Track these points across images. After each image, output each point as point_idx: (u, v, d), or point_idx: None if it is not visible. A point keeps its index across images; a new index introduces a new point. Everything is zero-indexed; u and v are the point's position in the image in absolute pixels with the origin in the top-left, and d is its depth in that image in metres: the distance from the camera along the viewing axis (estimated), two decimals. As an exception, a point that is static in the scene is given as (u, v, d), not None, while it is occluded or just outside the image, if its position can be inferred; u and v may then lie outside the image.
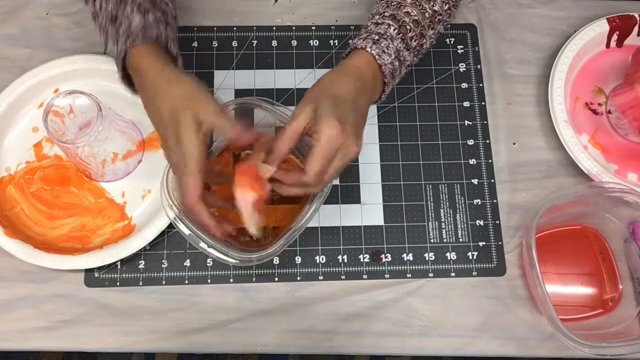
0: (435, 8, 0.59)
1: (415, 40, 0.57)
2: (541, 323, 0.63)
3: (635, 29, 0.72)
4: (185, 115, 0.49)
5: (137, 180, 0.65)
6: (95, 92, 0.63)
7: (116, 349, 0.61)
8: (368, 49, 0.55)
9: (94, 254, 0.61)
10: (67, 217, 0.64)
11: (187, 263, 0.64)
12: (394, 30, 0.56)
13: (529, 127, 0.71)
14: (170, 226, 0.61)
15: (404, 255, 0.65)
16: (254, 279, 0.63)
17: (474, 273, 0.65)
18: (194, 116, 0.49)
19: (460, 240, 0.66)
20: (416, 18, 0.57)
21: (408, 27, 0.57)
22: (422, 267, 0.65)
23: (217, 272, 0.64)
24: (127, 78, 0.57)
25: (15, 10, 0.73)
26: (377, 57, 0.54)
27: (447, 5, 0.60)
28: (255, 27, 0.73)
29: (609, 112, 0.71)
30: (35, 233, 0.63)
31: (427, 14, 0.58)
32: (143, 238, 0.61)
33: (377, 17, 0.58)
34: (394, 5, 0.58)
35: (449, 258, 0.65)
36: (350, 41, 0.58)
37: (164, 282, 0.63)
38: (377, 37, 0.55)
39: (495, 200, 0.67)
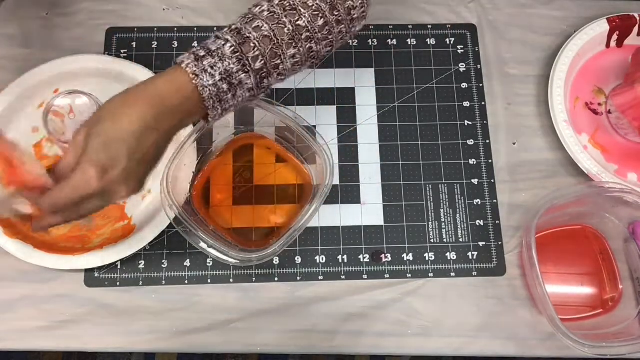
0: (300, 23, 0.49)
1: (261, 61, 0.48)
2: (541, 323, 0.63)
3: (635, 29, 0.72)
4: None
5: None
6: (95, 92, 0.64)
7: (116, 349, 0.61)
8: (184, 66, 0.46)
9: (94, 254, 0.61)
10: None
11: (187, 263, 0.64)
12: (230, 47, 0.47)
13: (529, 127, 0.71)
14: (170, 226, 0.61)
15: (404, 255, 0.65)
16: (254, 279, 0.64)
17: (474, 273, 0.65)
18: None
19: (460, 240, 0.66)
20: (267, 34, 0.48)
21: (253, 44, 0.47)
22: (422, 267, 0.65)
23: (217, 272, 0.64)
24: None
25: (15, 10, 0.73)
26: (192, 76, 0.45)
27: (322, 19, 0.50)
28: (255, 27, 0.73)
29: (609, 112, 0.71)
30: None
31: (286, 30, 0.48)
32: (143, 238, 0.61)
33: (224, 29, 0.49)
34: (248, 17, 0.49)
35: (449, 258, 0.65)
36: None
37: (164, 282, 0.63)
38: (203, 54, 0.46)
39: (495, 200, 0.68)
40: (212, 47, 0.47)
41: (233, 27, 0.49)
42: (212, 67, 0.46)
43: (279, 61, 0.49)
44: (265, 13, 0.49)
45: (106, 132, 0.44)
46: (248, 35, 0.47)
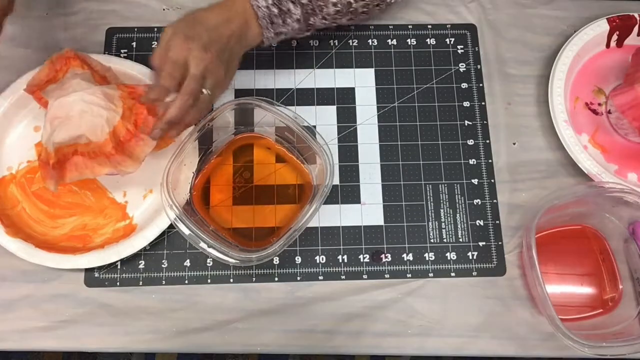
0: None
1: None
2: (541, 323, 0.63)
3: (635, 29, 0.72)
4: None
5: (139, 180, 0.65)
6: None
7: (116, 349, 0.61)
8: None
9: (94, 253, 0.61)
10: (68, 216, 0.64)
11: (187, 263, 0.64)
12: None
13: (529, 127, 0.71)
14: (171, 226, 0.61)
15: (404, 255, 0.65)
16: (254, 279, 0.64)
17: (474, 273, 0.65)
18: None
19: (460, 240, 0.66)
20: None
21: None
22: (422, 267, 0.65)
23: (217, 272, 0.64)
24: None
25: (15, 10, 0.72)
26: None
27: None
28: (255, 27, 0.73)
29: (609, 112, 0.71)
30: (37, 232, 0.63)
31: None
32: (144, 238, 0.61)
33: None
34: None
35: (449, 258, 0.65)
36: None
37: (164, 282, 0.63)
38: None
39: (495, 200, 0.68)
40: None
41: None
42: None
43: (322, 3, 0.59)
44: None
45: (189, 19, 0.55)
46: None
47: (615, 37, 0.73)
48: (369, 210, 0.67)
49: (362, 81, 0.72)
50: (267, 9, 0.57)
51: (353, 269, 0.64)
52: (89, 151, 0.57)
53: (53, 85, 0.60)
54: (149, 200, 0.65)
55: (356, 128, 0.70)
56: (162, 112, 0.55)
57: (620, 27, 0.72)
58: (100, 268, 0.63)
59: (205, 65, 0.54)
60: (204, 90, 0.55)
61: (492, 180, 0.68)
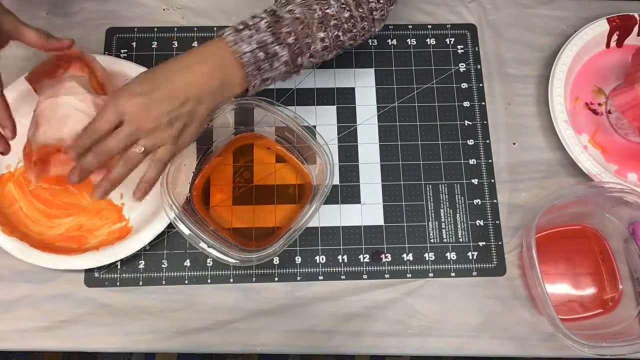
0: (329, 11, 0.55)
1: (293, 36, 0.53)
2: (541, 323, 0.63)
3: (635, 29, 0.72)
4: None
5: (136, 183, 0.65)
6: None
7: (116, 349, 0.61)
8: (224, 36, 0.52)
9: (90, 254, 0.61)
10: (64, 216, 0.64)
11: (187, 263, 0.64)
12: (265, 24, 0.52)
13: (529, 127, 0.71)
14: (170, 226, 0.61)
15: (404, 255, 0.65)
16: (254, 279, 0.64)
17: (474, 273, 0.65)
18: None
19: (460, 240, 0.66)
20: (299, 16, 0.53)
21: (285, 22, 0.53)
22: (422, 267, 0.65)
23: (217, 272, 0.64)
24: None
25: (15, 10, 0.72)
26: (231, 44, 0.51)
27: (348, 12, 0.56)
28: (255, 27, 0.73)
29: (609, 112, 0.71)
30: (33, 231, 0.63)
31: (316, 15, 0.54)
32: (140, 240, 0.61)
33: (260, 11, 0.55)
34: (283, 2, 0.55)
35: (449, 258, 0.65)
36: None
37: (164, 282, 0.63)
38: (241, 27, 0.52)
39: (495, 200, 0.68)
40: (249, 22, 0.53)
41: (269, 9, 0.54)
42: (249, 37, 0.52)
43: (309, 40, 0.55)
44: (298, 0, 0.55)
45: (147, 73, 0.51)
46: (282, 15, 0.53)
47: (615, 37, 0.73)
48: (369, 210, 0.67)
49: (362, 81, 0.72)
50: (252, 54, 0.52)
51: (353, 269, 0.64)
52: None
53: (48, 81, 0.60)
54: (146, 202, 0.65)
55: (356, 128, 0.70)
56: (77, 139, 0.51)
57: (620, 27, 0.72)
58: (100, 268, 0.63)
59: (139, 126, 0.49)
60: (135, 147, 0.51)
61: (492, 180, 0.68)
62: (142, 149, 0.51)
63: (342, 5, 0.56)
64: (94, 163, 0.50)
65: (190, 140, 0.54)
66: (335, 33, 0.56)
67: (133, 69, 0.67)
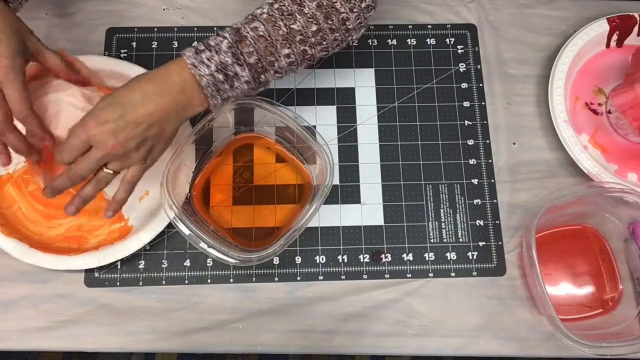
0: (294, 27, 0.54)
1: (254, 56, 0.53)
2: (541, 323, 0.63)
3: (635, 29, 0.72)
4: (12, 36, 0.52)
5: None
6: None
7: (116, 349, 0.61)
8: (185, 57, 0.52)
9: (90, 254, 0.61)
10: (64, 217, 0.64)
11: (187, 263, 0.64)
12: (227, 44, 0.52)
13: (529, 127, 0.71)
14: (170, 226, 0.61)
15: (404, 255, 0.65)
16: (254, 279, 0.64)
17: (474, 273, 0.65)
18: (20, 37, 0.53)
19: (460, 240, 0.66)
20: (262, 34, 0.53)
21: (248, 41, 0.53)
22: (422, 267, 0.65)
23: (217, 272, 0.64)
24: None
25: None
26: (191, 66, 0.51)
27: (316, 26, 0.55)
28: (255, 27, 0.73)
29: (609, 112, 0.71)
30: (32, 232, 0.63)
31: (281, 32, 0.54)
32: (139, 240, 0.61)
33: (228, 28, 0.54)
34: (249, 18, 0.55)
35: (449, 258, 0.65)
36: None
37: (164, 282, 0.63)
38: (202, 48, 0.52)
39: (495, 200, 0.68)
40: (212, 42, 0.53)
41: (234, 26, 0.54)
42: (208, 60, 0.52)
43: (273, 59, 0.54)
44: (264, 16, 0.54)
45: (109, 98, 0.51)
46: (245, 34, 0.53)
47: (615, 37, 0.73)
48: (369, 210, 0.67)
49: (362, 81, 0.72)
50: (211, 76, 0.52)
51: (353, 269, 0.64)
52: None
53: (35, 83, 0.60)
54: (145, 202, 0.65)
55: (356, 128, 0.70)
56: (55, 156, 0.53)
57: (620, 27, 0.72)
58: (100, 268, 0.63)
59: (108, 152, 0.51)
60: (105, 169, 0.53)
61: (492, 180, 0.68)
62: (112, 171, 0.53)
63: (309, 20, 0.55)
64: (67, 184, 0.53)
65: (158, 157, 0.56)
66: (302, 48, 0.55)
67: (132, 70, 0.66)
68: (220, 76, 0.52)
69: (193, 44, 0.54)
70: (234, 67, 0.53)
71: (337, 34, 0.57)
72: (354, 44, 0.73)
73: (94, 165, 0.52)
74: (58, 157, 0.52)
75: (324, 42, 0.57)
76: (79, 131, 0.51)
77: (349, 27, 0.57)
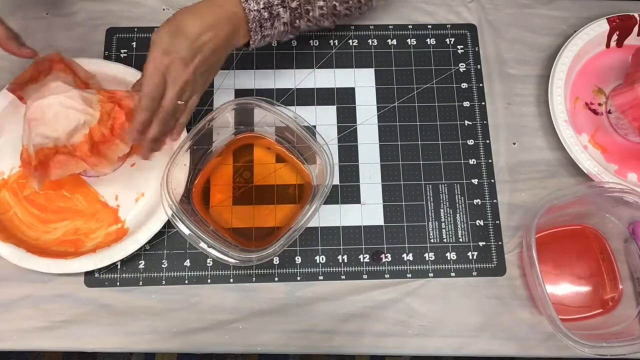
0: None
1: (294, 2, 0.59)
2: (541, 323, 0.63)
3: (635, 29, 0.72)
4: None
5: (131, 183, 0.65)
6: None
7: (116, 349, 0.61)
8: None
9: (87, 257, 0.60)
10: (60, 220, 0.64)
11: (187, 263, 0.64)
12: None
13: (529, 127, 0.71)
14: (170, 226, 0.61)
15: (404, 255, 0.65)
16: (254, 279, 0.64)
17: (474, 273, 0.65)
18: None
19: (460, 240, 0.66)
20: None
21: None
22: (422, 267, 0.65)
23: (217, 272, 0.64)
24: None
25: (15, 10, 0.73)
26: (243, 1, 0.57)
27: None
28: (255, 27, 0.73)
29: (609, 112, 0.71)
30: (28, 237, 0.63)
31: None
32: (136, 241, 0.61)
33: None
34: None
35: (449, 258, 0.65)
36: None
37: (164, 282, 0.63)
38: None
39: (495, 200, 0.68)
40: None
41: None
42: None
43: (309, 7, 0.61)
44: None
45: (173, 29, 0.54)
46: None
47: (615, 37, 0.73)
48: (369, 210, 0.67)
49: (362, 81, 0.72)
50: (258, 12, 0.58)
51: (353, 269, 0.64)
52: (69, 151, 0.58)
53: (33, 86, 0.60)
54: (141, 203, 0.64)
55: (356, 128, 0.70)
56: (137, 118, 0.56)
57: (620, 27, 0.72)
58: (100, 268, 0.63)
59: (185, 81, 0.54)
60: (179, 101, 0.56)
61: (492, 180, 0.68)
62: (183, 101, 0.57)
63: None
64: (160, 131, 0.56)
65: (209, 83, 0.60)
66: (333, 3, 0.62)
67: (131, 74, 0.66)
68: (266, 14, 0.58)
69: None
70: (278, 8, 0.59)
71: None
72: (354, 42, 0.73)
73: (175, 100, 0.55)
74: (145, 102, 0.54)
75: (350, 2, 0.64)
76: (151, 67, 0.53)
77: None
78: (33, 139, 0.57)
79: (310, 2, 0.61)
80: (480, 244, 0.66)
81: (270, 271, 0.64)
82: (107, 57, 0.71)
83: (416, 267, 0.65)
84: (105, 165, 0.59)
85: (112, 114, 0.59)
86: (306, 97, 0.71)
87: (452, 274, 0.65)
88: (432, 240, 0.66)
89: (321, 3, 0.61)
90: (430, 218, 0.67)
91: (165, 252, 0.64)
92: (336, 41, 0.73)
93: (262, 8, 0.58)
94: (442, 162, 0.69)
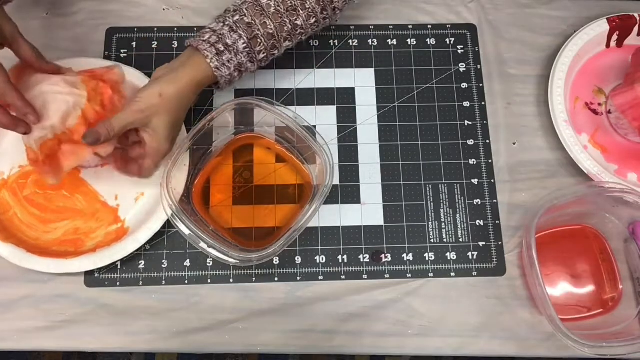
0: (298, 22, 0.60)
1: (263, 53, 0.60)
2: (541, 323, 0.63)
3: (635, 29, 0.72)
4: None
5: (131, 183, 0.65)
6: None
7: (116, 349, 0.61)
8: (209, 60, 0.57)
9: (87, 257, 0.60)
10: (60, 220, 0.64)
11: (187, 263, 0.64)
12: (243, 44, 0.58)
13: (529, 127, 0.71)
14: (170, 226, 0.61)
15: (404, 255, 0.65)
16: (254, 279, 0.64)
17: (474, 273, 0.65)
18: None
19: (460, 240, 0.66)
20: (271, 32, 0.59)
21: (259, 40, 0.59)
22: (422, 267, 0.65)
23: (217, 272, 0.64)
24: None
25: (15, 10, 0.72)
26: (215, 69, 0.58)
27: (314, 18, 0.61)
28: (255, 27, 0.73)
29: (609, 112, 0.71)
30: (29, 237, 0.63)
31: (286, 28, 0.60)
32: (136, 241, 0.61)
33: (236, 16, 0.58)
34: (257, 9, 0.59)
35: (449, 258, 0.65)
36: (194, 37, 0.59)
37: (164, 282, 0.63)
38: (222, 49, 0.58)
39: (495, 200, 0.68)
40: (229, 41, 0.58)
41: (245, 19, 0.58)
42: (229, 62, 0.58)
43: (276, 51, 0.62)
44: (272, 10, 0.59)
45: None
46: (257, 32, 0.58)
47: (615, 37, 0.73)
48: (369, 210, 0.67)
49: (362, 81, 0.72)
50: (229, 76, 0.59)
51: (353, 269, 0.64)
52: (70, 138, 0.58)
53: (18, 82, 0.60)
54: (141, 202, 0.64)
55: (356, 128, 0.70)
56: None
57: (620, 27, 0.72)
58: (100, 268, 0.63)
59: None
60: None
61: (492, 180, 0.68)
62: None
63: (310, 14, 0.60)
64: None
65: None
66: (299, 38, 0.63)
67: (129, 73, 0.66)
68: (236, 73, 0.60)
69: (208, 37, 0.58)
70: (247, 64, 0.60)
71: (327, 20, 0.64)
72: (354, 42, 0.73)
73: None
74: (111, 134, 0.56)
75: (317, 29, 0.64)
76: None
77: (337, 13, 0.64)
78: (32, 135, 0.57)
79: (277, 47, 0.61)
80: (480, 244, 0.66)
81: (270, 271, 0.64)
82: (107, 57, 0.71)
83: (416, 267, 0.65)
84: (107, 143, 0.58)
85: (98, 89, 0.59)
86: (306, 97, 0.71)
87: (452, 274, 0.65)
88: (432, 240, 0.66)
89: (288, 43, 0.62)
90: (430, 218, 0.67)
91: (165, 252, 0.64)
92: (336, 41, 0.73)
93: (234, 70, 0.59)
94: (442, 162, 0.69)
